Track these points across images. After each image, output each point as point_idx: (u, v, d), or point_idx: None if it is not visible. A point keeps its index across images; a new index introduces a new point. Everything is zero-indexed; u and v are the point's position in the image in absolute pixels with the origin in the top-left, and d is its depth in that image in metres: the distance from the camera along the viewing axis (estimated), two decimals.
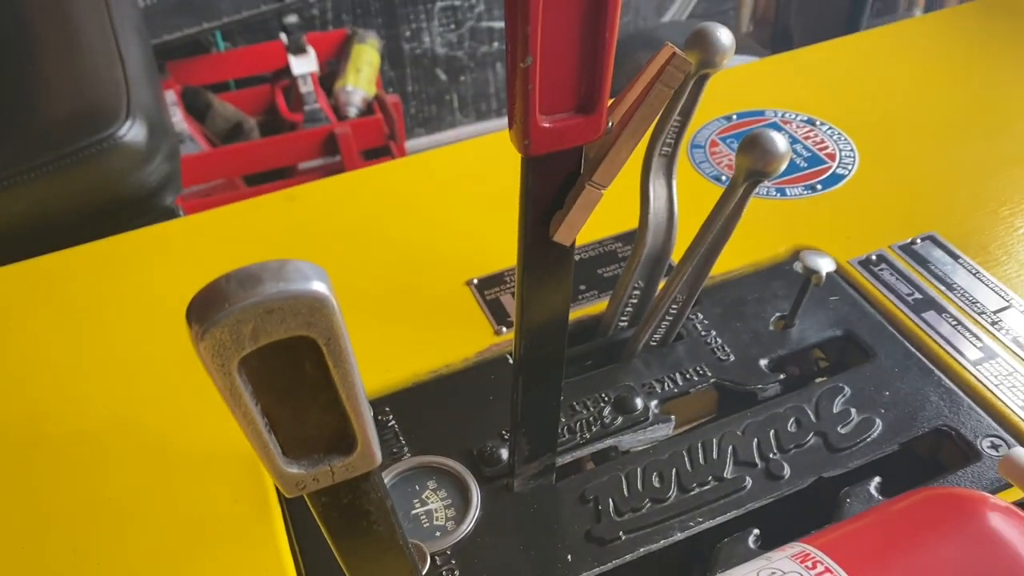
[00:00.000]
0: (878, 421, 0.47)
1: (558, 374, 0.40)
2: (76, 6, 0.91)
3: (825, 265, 0.49)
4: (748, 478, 0.45)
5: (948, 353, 0.51)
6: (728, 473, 0.45)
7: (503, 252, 0.60)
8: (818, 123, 0.71)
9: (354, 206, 0.66)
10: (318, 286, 0.21)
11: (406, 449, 0.47)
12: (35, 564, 0.44)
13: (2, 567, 0.44)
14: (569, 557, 0.42)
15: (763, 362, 0.51)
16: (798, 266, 0.50)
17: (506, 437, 0.47)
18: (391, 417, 0.49)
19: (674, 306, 0.50)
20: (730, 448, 0.46)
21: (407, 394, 0.51)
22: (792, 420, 0.47)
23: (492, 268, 0.59)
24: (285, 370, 0.23)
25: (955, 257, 0.57)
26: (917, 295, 0.55)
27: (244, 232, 0.64)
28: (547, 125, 0.29)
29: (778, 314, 0.54)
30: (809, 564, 0.32)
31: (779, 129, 0.69)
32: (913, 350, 0.51)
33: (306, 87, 1.71)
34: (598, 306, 0.56)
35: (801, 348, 0.52)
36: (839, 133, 0.69)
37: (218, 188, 1.67)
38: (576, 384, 0.50)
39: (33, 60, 0.87)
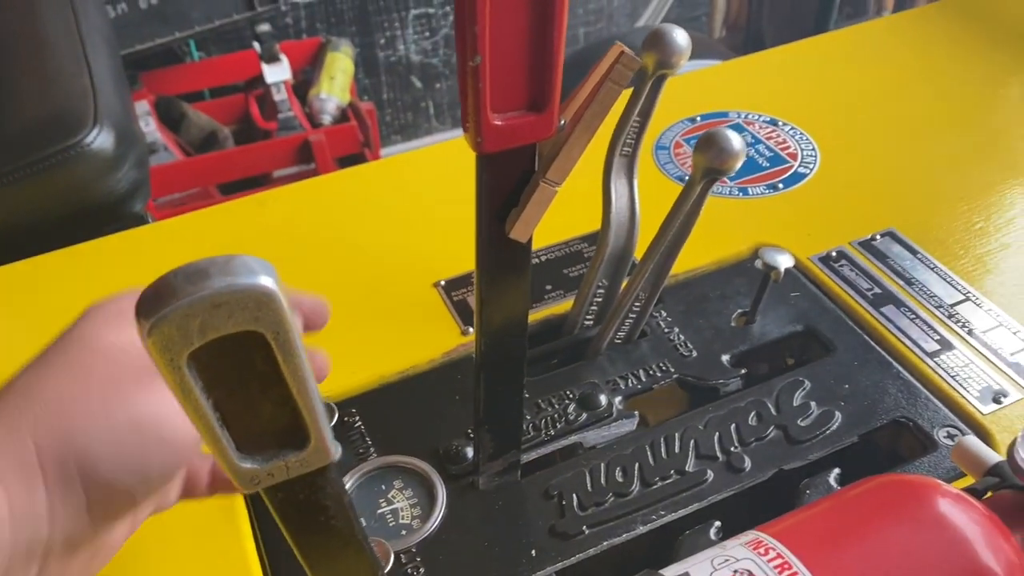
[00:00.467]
0: (838, 414, 0.48)
1: (520, 371, 0.40)
2: (43, 15, 0.91)
3: (784, 261, 0.50)
4: (710, 471, 0.45)
5: (906, 346, 0.52)
6: (690, 467, 0.46)
7: (470, 254, 0.59)
8: (780, 123, 0.72)
9: (324, 210, 0.67)
10: (265, 280, 0.22)
11: (372, 449, 0.47)
12: None
13: None
14: (533, 552, 0.42)
15: (725, 357, 0.52)
16: (758, 263, 0.51)
17: (471, 435, 0.48)
18: (357, 418, 0.49)
19: (637, 304, 0.50)
20: (692, 442, 0.47)
21: (374, 395, 0.51)
22: (753, 414, 0.48)
23: (459, 270, 0.59)
24: (236, 365, 0.23)
25: (914, 252, 0.58)
26: (876, 290, 0.56)
27: (214, 236, 0.64)
28: (499, 123, 0.30)
29: (740, 310, 0.55)
30: (762, 551, 0.32)
31: (741, 130, 0.70)
32: (872, 344, 0.52)
33: (280, 95, 1.71)
34: (564, 305, 0.56)
35: (762, 343, 0.53)
36: (801, 133, 0.70)
37: (192, 197, 1.66)
38: (542, 382, 0.50)
39: None
